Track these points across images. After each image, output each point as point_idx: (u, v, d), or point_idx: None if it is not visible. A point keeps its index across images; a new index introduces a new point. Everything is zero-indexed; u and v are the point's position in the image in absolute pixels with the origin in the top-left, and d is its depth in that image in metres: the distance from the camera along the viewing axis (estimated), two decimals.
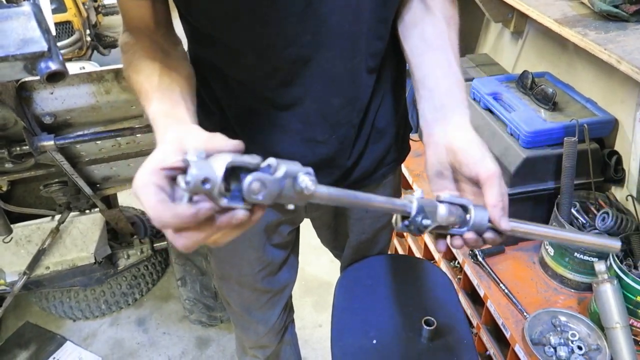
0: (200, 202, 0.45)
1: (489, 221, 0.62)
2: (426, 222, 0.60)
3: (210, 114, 0.87)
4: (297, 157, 0.81)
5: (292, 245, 1.17)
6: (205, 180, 0.44)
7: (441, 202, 0.62)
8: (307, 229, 1.28)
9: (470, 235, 0.63)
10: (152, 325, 2.19)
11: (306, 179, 0.49)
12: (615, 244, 0.67)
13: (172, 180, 0.48)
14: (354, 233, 1.19)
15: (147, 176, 0.47)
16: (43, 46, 0.60)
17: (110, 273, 1.97)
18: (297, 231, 1.18)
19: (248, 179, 0.46)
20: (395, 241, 2.04)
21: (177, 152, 0.48)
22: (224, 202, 0.46)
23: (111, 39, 3.48)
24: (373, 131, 0.92)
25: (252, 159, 0.47)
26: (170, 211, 0.45)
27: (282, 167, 0.48)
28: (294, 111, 0.80)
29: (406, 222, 0.61)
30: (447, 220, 0.61)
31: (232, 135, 0.77)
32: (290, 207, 0.51)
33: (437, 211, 0.60)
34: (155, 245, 2.06)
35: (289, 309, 1.33)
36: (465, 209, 0.63)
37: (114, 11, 3.61)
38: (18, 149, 1.12)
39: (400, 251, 2.02)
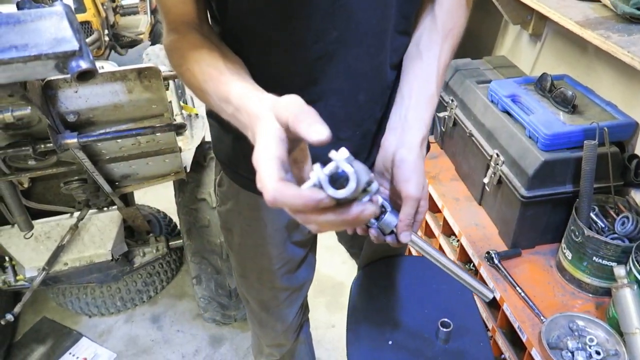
0: (321, 193, 0.48)
1: (395, 227, 0.74)
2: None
3: None
4: (320, 156, 0.81)
5: (311, 244, 1.17)
6: (366, 183, 0.52)
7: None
8: None
9: (373, 231, 0.74)
10: (167, 323, 2.21)
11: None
12: (488, 294, 0.78)
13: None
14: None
15: (272, 149, 0.49)
16: (75, 45, 0.62)
17: (126, 270, 1.99)
18: None
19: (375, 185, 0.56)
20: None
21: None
22: (365, 199, 0.53)
23: (128, 39, 3.52)
24: None
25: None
26: (293, 193, 0.47)
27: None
28: (319, 109, 0.80)
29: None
30: None
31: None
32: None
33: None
34: (170, 243, 2.07)
35: (305, 307, 1.34)
36: (384, 209, 0.73)
37: (131, 12, 3.66)
38: (42, 146, 1.14)
39: (414, 253, 2.02)
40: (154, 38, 4.04)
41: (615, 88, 1.45)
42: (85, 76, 0.63)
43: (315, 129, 0.49)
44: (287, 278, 1.13)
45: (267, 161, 0.48)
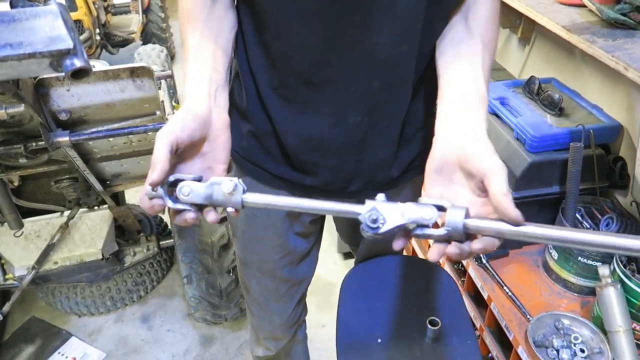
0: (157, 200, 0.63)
1: (467, 218, 0.57)
2: (380, 224, 0.58)
3: (246, 88, 0.88)
4: (328, 139, 0.82)
5: (314, 238, 1.18)
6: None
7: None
8: None
9: (452, 248, 0.57)
10: (157, 323, 2.21)
11: (230, 185, 0.61)
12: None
13: None
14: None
15: (163, 148, 0.62)
16: (69, 44, 0.62)
17: (116, 269, 1.99)
18: (320, 225, 1.20)
19: (180, 184, 0.63)
20: None
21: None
22: (169, 203, 0.63)
23: (120, 38, 3.52)
24: (406, 126, 0.90)
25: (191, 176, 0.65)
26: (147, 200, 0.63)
27: (213, 178, 0.63)
28: (327, 91, 0.80)
29: (363, 227, 0.59)
30: (403, 218, 0.58)
31: (262, 114, 0.86)
32: (230, 209, 0.63)
33: (392, 212, 0.58)
34: (161, 242, 2.08)
35: (304, 305, 1.36)
36: (440, 208, 0.58)
37: (123, 11, 3.65)
38: (34, 144, 1.14)
39: (405, 253, 2.03)
40: (146, 37, 4.03)
41: (601, 91, 1.48)
42: (80, 74, 0.64)
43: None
44: (288, 270, 1.14)
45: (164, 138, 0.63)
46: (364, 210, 0.58)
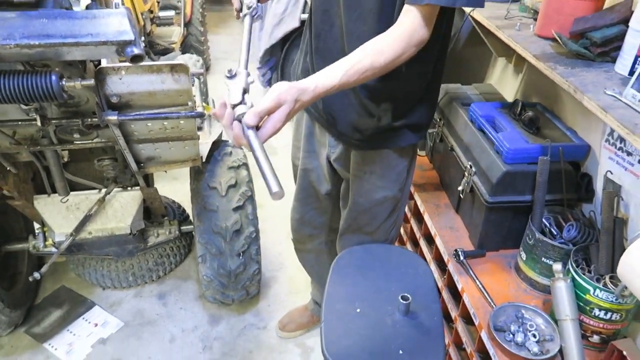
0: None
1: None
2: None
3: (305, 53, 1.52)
4: None
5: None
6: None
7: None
8: None
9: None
10: (171, 300, 2.44)
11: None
12: (273, 187, 0.85)
13: None
14: (352, 191, 1.57)
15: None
16: (131, 36, 0.86)
17: (140, 247, 2.23)
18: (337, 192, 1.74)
19: None
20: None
21: None
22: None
23: (161, 47, 3.85)
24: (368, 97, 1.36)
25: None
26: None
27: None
28: (319, 54, 1.40)
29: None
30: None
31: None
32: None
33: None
34: (182, 227, 2.32)
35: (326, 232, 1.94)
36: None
37: (167, 22, 3.99)
38: (89, 120, 1.40)
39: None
40: (185, 48, 4.37)
41: (576, 116, 1.67)
42: (136, 59, 0.89)
43: None
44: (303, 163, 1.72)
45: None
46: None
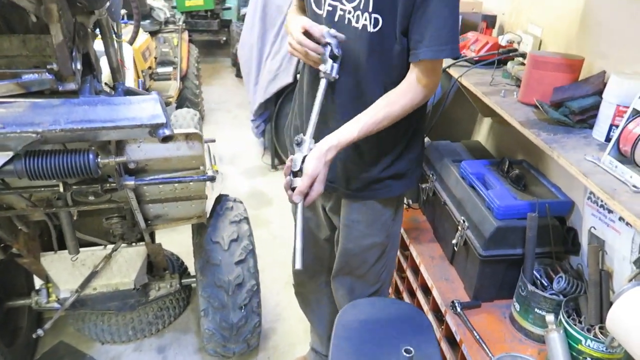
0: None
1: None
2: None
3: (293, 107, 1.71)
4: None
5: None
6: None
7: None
8: None
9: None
10: (171, 354, 2.45)
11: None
12: (297, 267, 1.26)
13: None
14: (342, 238, 1.69)
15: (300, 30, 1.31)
16: (163, 120, 0.96)
17: (142, 301, 2.26)
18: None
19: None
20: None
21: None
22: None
23: None
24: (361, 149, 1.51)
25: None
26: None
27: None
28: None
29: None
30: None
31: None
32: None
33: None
34: (183, 280, 2.36)
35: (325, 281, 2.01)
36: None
37: (164, 78, 4.15)
38: (107, 185, 1.48)
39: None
40: (180, 101, 4.51)
41: (559, 174, 1.80)
42: (167, 139, 0.98)
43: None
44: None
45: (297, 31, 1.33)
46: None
